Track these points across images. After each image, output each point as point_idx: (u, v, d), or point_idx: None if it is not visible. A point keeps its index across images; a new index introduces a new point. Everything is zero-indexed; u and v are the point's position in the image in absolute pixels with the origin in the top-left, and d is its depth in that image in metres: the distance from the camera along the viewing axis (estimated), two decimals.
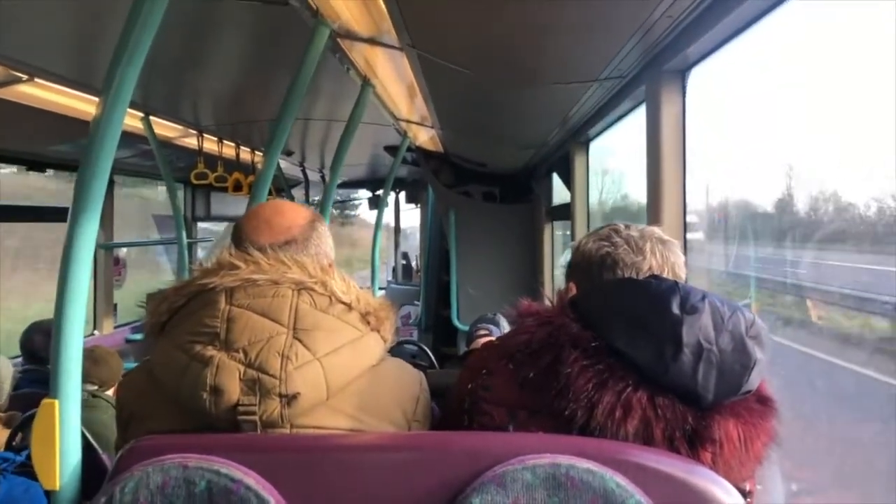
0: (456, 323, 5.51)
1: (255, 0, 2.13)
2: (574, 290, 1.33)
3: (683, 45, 1.89)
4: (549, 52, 2.24)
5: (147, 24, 1.33)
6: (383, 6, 1.97)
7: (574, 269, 1.36)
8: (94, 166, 1.33)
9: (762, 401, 1.17)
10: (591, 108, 2.97)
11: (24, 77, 2.77)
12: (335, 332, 1.20)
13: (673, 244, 1.34)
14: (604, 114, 2.94)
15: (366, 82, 2.99)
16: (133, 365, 3.14)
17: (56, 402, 1.30)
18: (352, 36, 2.44)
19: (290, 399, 1.14)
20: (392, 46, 2.45)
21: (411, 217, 10.07)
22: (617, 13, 1.80)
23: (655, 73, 2.10)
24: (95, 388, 2.89)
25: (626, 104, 2.65)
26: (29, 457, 1.88)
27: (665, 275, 1.29)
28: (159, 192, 6.42)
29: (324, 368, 1.17)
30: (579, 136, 3.61)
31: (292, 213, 1.37)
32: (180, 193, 5.67)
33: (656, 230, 1.35)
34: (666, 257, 1.31)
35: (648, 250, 1.30)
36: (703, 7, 1.68)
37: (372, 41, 2.48)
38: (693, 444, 1.11)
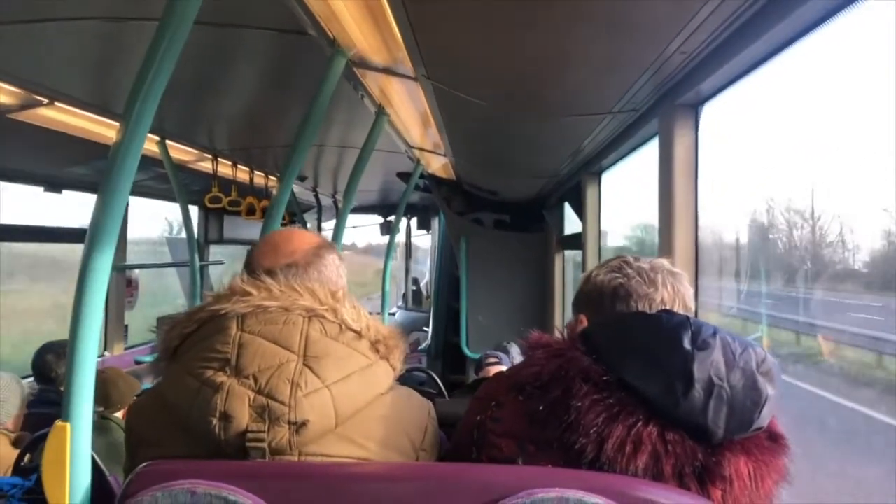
0: (465, 350, 5.49)
1: (273, 29, 2.17)
2: (584, 322, 1.33)
3: (697, 81, 1.90)
4: (564, 84, 2.26)
5: (169, 53, 1.35)
6: (399, 37, 1.99)
7: (585, 301, 1.36)
8: (113, 190, 1.35)
9: (773, 438, 1.17)
10: (603, 140, 2.98)
11: (45, 101, 2.82)
12: (345, 359, 1.21)
13: (682, 276, 1.34)
14: (616, 146, 2.95)
15: (380, 110, 3.02)
16: (145, 386, 3.15)
17: (68, 425, 1.30)
18: (367, 65, 2.47)
19: (298, 426, 1.14)
20: (407, 76, 2.48)
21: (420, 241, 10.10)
22: (632, 48, 1.82)
23: (669, 107, 2.12)
24: (102, 409, 2.89)
25: (639, 137, 2.66)
26: (38, 481, 1.88)
27: (676, 307, 1.29)
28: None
29: (333, 396, 1.17)
30: (592, 167, 3.63)
31: (299, 239, 1.39)
32: (193, 216, 5.70)
33: (665, 262, 1.35)
34: (676, 289, 1.31)
35: (660, 282, 1.30)
36: (716, 43, 1.69)
37: (387, 71, 2.51)
38: (703, 480, 1.10)
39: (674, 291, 1.30)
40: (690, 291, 1.34)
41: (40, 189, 4.18)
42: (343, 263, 1.42)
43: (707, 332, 1.13)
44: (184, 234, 4.95)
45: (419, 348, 6.87)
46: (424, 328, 7.31)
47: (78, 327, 1.33)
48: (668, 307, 1.28)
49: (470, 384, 3.99)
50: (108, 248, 1.36)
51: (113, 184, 1.35)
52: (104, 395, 2.91)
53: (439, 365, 6.31)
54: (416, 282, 9.64)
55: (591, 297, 1.34)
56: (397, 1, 1.66)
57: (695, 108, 2.09)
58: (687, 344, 1.11)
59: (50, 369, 3.12)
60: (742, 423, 1.11)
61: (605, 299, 1.31)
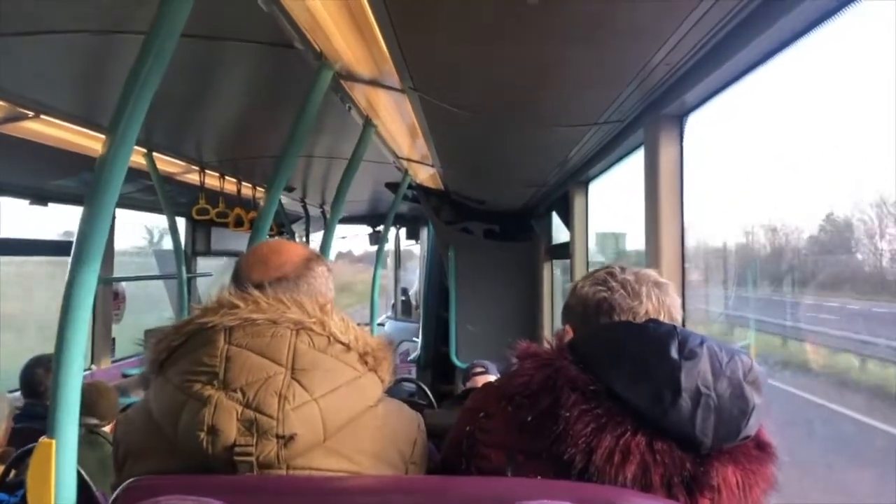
0: (455, 360, 5.48)
1: (259, 42, 2.18)
2: (571, 333, 1.33)
3: (681, 92, 1.92)
4: (550, 95, 2.28)
5: (155, 66, 1.35)
6: (385, 50, 2.00)
7: (571, 312, 1.36)
8: (99, 203, 1.35)
9: (761, 446, 1.17)
10: (590, 150, 3.00)
11: (31, 114, 2.81)
12: (333, 372, 1.20)
13: (668, 286, 1.35)
14: (603, 156, 2.97)
15: (368, 122, 3.02)
16: (130, 400, 3.13)
17: (53, 441, 1.29)
18: (354, 78, 2.48)
19: (287, 440, 1.13)
20: (393, 88, 2.49)
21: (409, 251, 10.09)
22: (617, 59, 1.84)
23: (654, 117, 2.13)
24: (93, 423, 2.86)
25: (626, 147, 2.68)
26: (23, 497, 1.86)
27: (661, 318, 1.29)
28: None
29: (321, 409, 1.16)
30: (579, 177, 3.65)
31: (288, 252, 1.38)
32: (181, 228, 5.68)
33: (651, 273, 1.36)
34: (662, 300, 1.31)
35: (644, 294, 1.30)
36: (700, 55, 1.71)
37: (374, 83, 2.51)
38: (691, 490, 1.10)
39: (659, 303, 1.30)
40: (677, 301, 1.35)
41: (26, 202, 4.15)
42: (331, 275, 1.41)
43: (694, 341, 1.14)
44: (168, 245, 4.92)
45: (409, 359, 6.86)
46: (414, 338, 7.29)
47: (63, 341, 1.32)
48: None
49: (459, 394, 3.99)
50: (94, 260, 1.35)
51: (99, 196, 1.35)
52: (95, 408, 2.89)
53: (429, 375, 6.29)
54: (405, 291, 9.62)
55: (577, 309, 1.34)
56: (383, 14, 1.67)
57: (679, 119, 2.11)
58: (674, 353, 1.12)
59: (39, 383, 3.09)
60: (729, 432, 1.12)
61: (590, 312, 1.31)
